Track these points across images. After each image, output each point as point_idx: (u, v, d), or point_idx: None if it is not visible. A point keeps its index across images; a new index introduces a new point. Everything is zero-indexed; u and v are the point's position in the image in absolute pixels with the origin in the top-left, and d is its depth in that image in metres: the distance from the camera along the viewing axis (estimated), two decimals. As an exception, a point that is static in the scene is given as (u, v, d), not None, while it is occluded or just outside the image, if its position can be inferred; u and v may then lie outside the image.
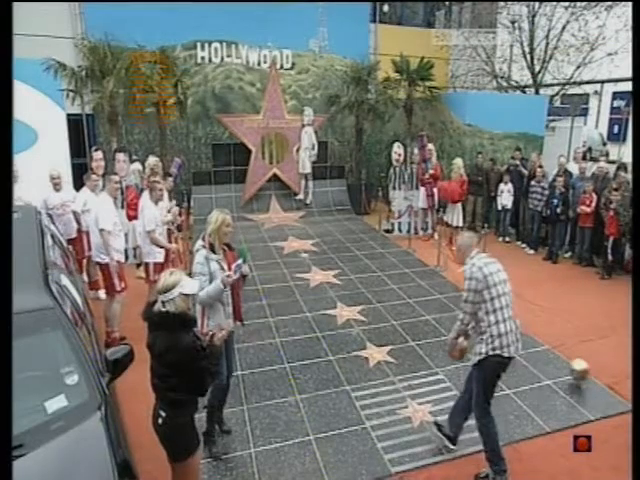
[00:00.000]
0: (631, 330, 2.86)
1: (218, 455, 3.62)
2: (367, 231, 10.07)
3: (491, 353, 3.26)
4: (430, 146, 9.82)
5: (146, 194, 5.67)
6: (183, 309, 2.67)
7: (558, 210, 8.07)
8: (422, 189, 9.57)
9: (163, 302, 2.65)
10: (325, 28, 11.66)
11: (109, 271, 5.22)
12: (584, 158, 9.85)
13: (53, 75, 7.89)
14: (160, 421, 2.68)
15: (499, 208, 9.38)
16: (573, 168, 8.86)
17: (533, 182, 8.68)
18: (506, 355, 3.27)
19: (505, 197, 9.17)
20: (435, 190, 9.44)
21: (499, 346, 3.25)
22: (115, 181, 5.45)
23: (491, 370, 3.32)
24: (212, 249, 3.45)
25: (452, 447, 3.72)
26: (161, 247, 5.56)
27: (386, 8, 13.91)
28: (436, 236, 9.19)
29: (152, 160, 7.21)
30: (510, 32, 13.70)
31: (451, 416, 3.73)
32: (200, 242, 3.49)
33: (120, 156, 7.53)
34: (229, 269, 3.43)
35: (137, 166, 7.67)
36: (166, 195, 6.40)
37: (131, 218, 6.76)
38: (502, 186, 9.19)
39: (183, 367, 2.59)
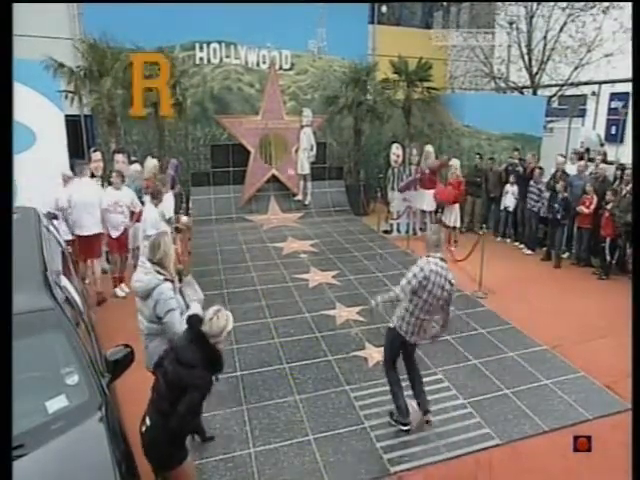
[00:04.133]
0: (631, 330, 2.87)
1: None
2: (366, 232, 10.09)
3: (397, 328, 3.88)
4: (428, 147, 9.84)
5: (147, 197, 5.75)
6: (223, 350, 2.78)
7: (558, 216, 8.07)
8: (429, 192, 9.53)
9: (217, 343, 2.73)
10: (324, 29, 11.65)
11: None
12: (582, 159, 9.89)
13: (52, 74, 7.87)
14: (144, 428, 2.68)
15: (501, 208, 9.40)
16: (571, 169, 8.90)
17: (532, 182, 8.70)
18: (405, 338, 3.87)
19: (508, 198, 9.17)
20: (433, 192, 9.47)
21: (403, 328, 3.85)
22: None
23: (394, 337, 3.92)
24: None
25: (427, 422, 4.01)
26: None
27: (384, 9, 13.95)
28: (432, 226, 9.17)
29: (151, 163, 7.21)
30: (508, 33, 13.75)
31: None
32: (158, 276, 3.26)
33: (119, 157, 7.52)
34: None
35: (137, 167, 7.67)
36: (167, 196, 6.42)
37: (135, 220, 6.77)
38: (508, 187, 9.19)
39: (191, 389, 2.60)
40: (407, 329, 3.84)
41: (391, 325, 3.94)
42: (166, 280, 3.28)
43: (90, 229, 6.35)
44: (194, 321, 2.77)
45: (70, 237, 6.27)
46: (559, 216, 8.06)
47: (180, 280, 3.51)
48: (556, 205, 8.06)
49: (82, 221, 6.31)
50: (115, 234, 6.56)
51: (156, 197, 5.72)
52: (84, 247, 6.41)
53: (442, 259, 3.80)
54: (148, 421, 2.67)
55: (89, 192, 6.40)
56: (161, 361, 2.78)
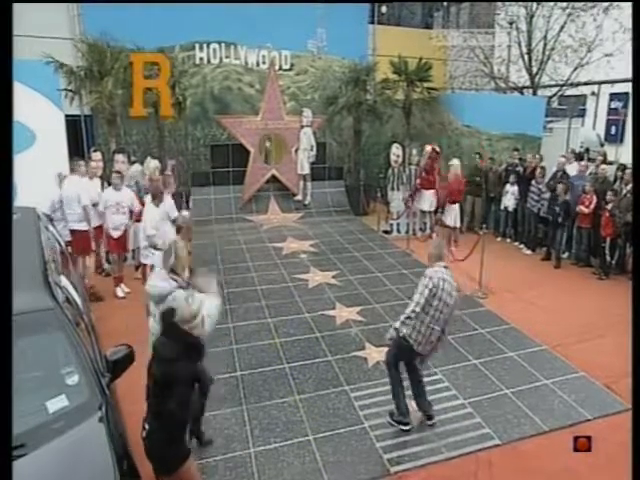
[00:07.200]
0: (630, 330, 2.87)
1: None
2: (366, 232, 10.09)
3: (407, 336, 3.86)
4: (428, 147, 9.84)
5: (148, 197, 5.79)
6: (205, 333, 2.74)
7: (559, 219, 8.06)
8: (429, 192, 9.54)
9: (191, 328, 2.65)
10: (323, 29, 11.67)
11: None
12: (581, 159, 9.89)
13: (53, 70, 7.86)
14: (144, 434, 2.67)
15: (501, 208, 9.40)
16: (570, 169, 8.90)
17: (532, 182, 8.70)
18: (414, 347, 3.87)
19: (508, 198, 9.16)
20: (433, 193, 9.49)
21: (413, 336, 3.84)
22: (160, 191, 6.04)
23: (402, 345, 3.92)
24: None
25: (428, 423, 4.05)
26: (159, 250, 5.57)
27: (384, 9, 13.93)
28: (434, 237, 9.20)
29: (152, 163, 7.22)
30: (508, 33, 13.74)
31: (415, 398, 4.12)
32: (173, 283, 3.45)
33: (119, 157, 7.53)
34: None
35: (138, 167, 7.69)
36: (168, 197, 6.43)
37: (135, 220, 6.78)
38: (508, 187, 9.19)
39: (175, 383, 2.56)
40: (417, 338, 3.83)
41: (400, 333, 3.89)
42: (180, 287, 3.40)
43: (71, 224, 6.37)
44: (166, 314, 2.72)
45: (69, 238, 6.26)
46: (560, 219, 8.06)
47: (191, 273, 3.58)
48: (556, 208, 8.05)
49: (65, 216, 6.38)
50: (116, 234, 6.56)
51: (157, 197, 5.76)
52: (68, 242, 6.33)
53: (446, 267, 3.88)
54: (147, 426, 2.66)
55: (71, 188, 6.40)
56: (150, 363, 2.76)
